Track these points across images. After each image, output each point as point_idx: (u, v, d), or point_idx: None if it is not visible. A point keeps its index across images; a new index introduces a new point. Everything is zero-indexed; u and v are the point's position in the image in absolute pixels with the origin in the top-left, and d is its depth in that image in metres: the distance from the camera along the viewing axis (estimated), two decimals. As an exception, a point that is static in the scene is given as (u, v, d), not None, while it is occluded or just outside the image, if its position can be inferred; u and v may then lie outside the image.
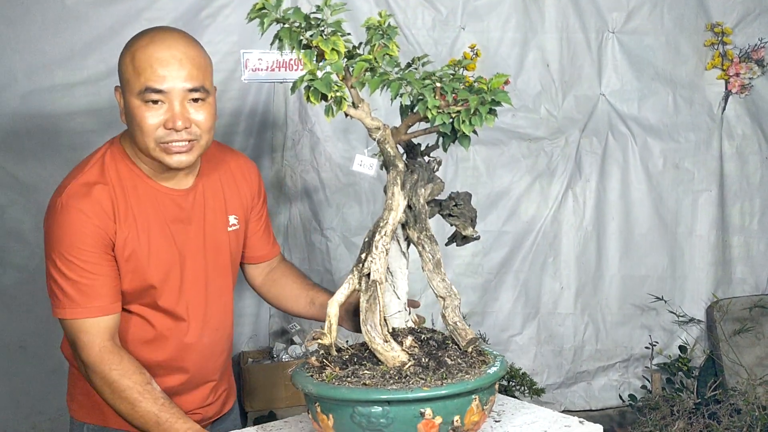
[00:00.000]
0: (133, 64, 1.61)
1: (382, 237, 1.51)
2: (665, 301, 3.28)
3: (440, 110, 1.41)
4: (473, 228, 1.58)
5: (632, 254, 3.34)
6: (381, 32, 1.46)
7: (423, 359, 1.44)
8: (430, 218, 1.57)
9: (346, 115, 1.51)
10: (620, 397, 3.37)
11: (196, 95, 1.63)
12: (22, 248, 2.67)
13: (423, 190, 1.53)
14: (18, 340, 2.72)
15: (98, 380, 1.63)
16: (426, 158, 1.61)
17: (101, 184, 1.65)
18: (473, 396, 1.39)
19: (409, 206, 1.54)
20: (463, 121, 1.39)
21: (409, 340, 1.49)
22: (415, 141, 1.60)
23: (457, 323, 1.47)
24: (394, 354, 1.44)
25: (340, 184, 3.05)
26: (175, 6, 2.67)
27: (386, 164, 1.56)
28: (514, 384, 2.74)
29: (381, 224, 1.53)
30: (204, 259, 1.81)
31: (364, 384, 1.39)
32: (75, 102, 2.66)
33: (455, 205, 1.58)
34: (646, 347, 3.24)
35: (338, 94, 1.41)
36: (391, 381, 1.39)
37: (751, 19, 3.24)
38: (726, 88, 3.28)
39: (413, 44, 2.99)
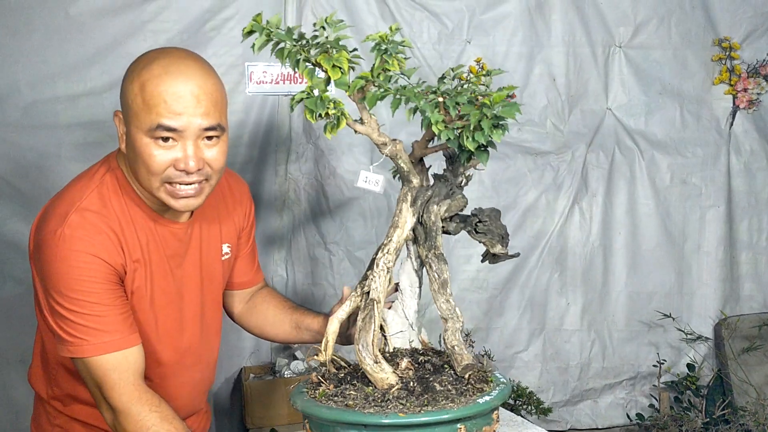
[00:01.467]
0: (143, 95, 1.45)
1: (384, 255, 1.50)
2: (673, 319, 3.24)
3: (447, 126, 1.38)
4: (503, 245, 1.52)
5: (639, 270, 3.30)
6: (383, 48, 1.44)
7: (411, 383, 1.41)
8: (454, 235, 1.54)
9: (356, 131, 1.50)
10: (627, 415, 3.32)
11: (211, 133, 1.50)
12: (23, 260, 2.62)
13: (437, 206, 1.49)
14: (18, 354, 2.69)
15: (132, 425, 1.48)
16: (465, 172, 1.57)
17: (103, 216, 1.52)
18: (458, 425, 1.34)
19: (421, 223, 1.51)
20: (467, 137, 1.35)
21: (404, 362, 1.46)
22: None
23: (455, 347, 1.44)
24: (383, 375, 1.41)
25: (344, 198, 3.02)
26: (179, 18, 2.66)
27: (401, 179, 1.55)
28: (520, 403, 2.70)
29: (385, 242, 1.50)
30: (200, 293, 1.72)
31: (347, 405, 1.37)
32: (77, 113, 2.64)
33: (479, 222, 1.52)
34: (654, 365, 3.20)
35: (332, 111, 1.39)
36: (373, 404, 1.36)
37: (759, 35, 3.22)
38: (734, 104, 3.26)
39: (419, 58, 2.97)
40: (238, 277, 1.87)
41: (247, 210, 1.84)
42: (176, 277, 1.65)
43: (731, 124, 3.28)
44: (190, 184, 1.50)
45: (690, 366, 3.29)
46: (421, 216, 1.51)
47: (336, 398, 1.41)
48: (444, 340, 1.46)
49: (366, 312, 1.47)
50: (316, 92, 1.41)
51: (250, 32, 1.44)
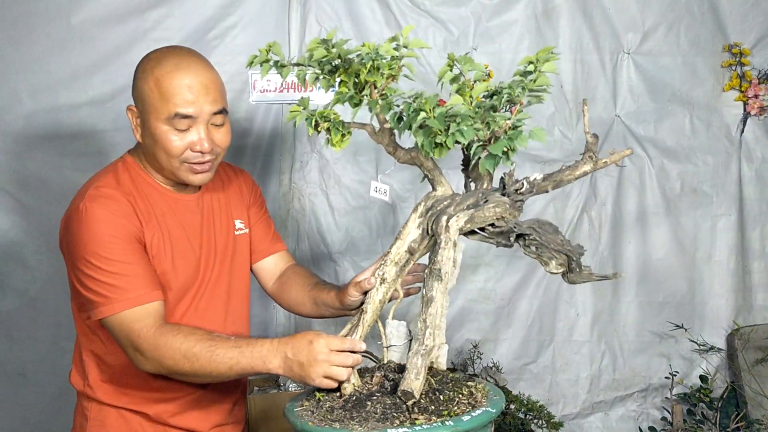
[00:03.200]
0: (159, 89, 1.67)
1: (380, 266, 1.47)
2: (685, 329, 3.18)
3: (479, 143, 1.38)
4: (561, 264, 1.40)
5: (649, 280, 3.25)
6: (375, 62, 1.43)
7: (353, 399, 1.42)
8: (499, 246, 1.48)
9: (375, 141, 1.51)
10: (639, 429, 3.26)
11: (218, 118, 1.73)
12: (24, 272, 2.61)
13: (453, 219, 1.43)
14: (18, 367, 2.66)
15: (163, 354, 1.60)
16: (523, 181, 1.51)
17: (118, 191, 1.71)
18: None
19: (429, 233, 1.47)
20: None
21: (377, 377, 1.48)
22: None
23: (409, 371, 1.39)
24: (345, 384, 1.47)
25: (349, 208, 2.98)
26: (182, 26, 2.64)
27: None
28: (531, 417, 2.65)
29: (386, 253, 1.48)
30: (220, 264, 1.87)
31: (310, 411, 1.44)
32: (79, 123, 2.61)
33: (521, 235, 1.40)
34: (666, 377, 3.13)
35: (325, 125, 1.44)
36: (317, 414, 1.42)
37: (770, 40, 3.17)
38: (744, 110, 3.20)
39: (424, 65, 2.93)
40: (256, 245, 2.03)
41: (251, 187, 2.04)
42: (195, 246, 1.82)
43: (742, 131, 3.23)
44: (204, 162, 1.73)
45: (703, 378, 3.23)
46: (430, 227, 1.46)
47: (307, 404, 1.48)
48: (408, 358, 1.41)
49: (355, 321, 1.49)
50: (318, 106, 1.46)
51: (253, 61, 1.56)
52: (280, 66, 1.51)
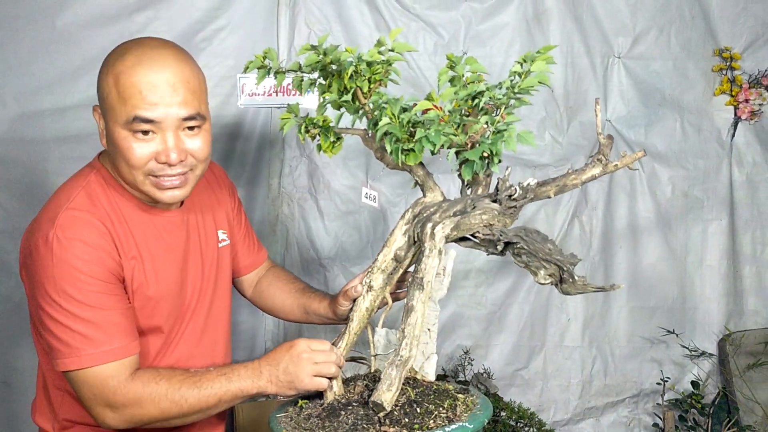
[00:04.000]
0: (117, 88, 1.42)
1: (367, 274, 1.45)
2: (676, 335, 3.17)
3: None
4: (552, 274, 1.34)
5: (641, 285, 3.23)
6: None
7: (329, 407, 1.42)
8: (489, 254, 1.45)
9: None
10: (630, 434, 3.24)
11: (191, 123, 1.46)
12: (7, 278, 2.57)
13: (439, 226, 1.40)
14: (2, 376, 2.61)
15: (151, 406, 1.44)
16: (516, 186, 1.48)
17: (94, 216, 1.48)
18: None
19: (417, 241, 1.45)
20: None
21: (359, 386, 1.47)
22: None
23: (380, 381, 1.37)
24: (328, 391, 1.47)
25: (339, 213, 2.95)
26: (169, 29, 2.60)
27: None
28: (522, 425, 2.63)
29: (374, 261, 1.46)
30: (206, 281, 1.70)
31: (290, 418, 1.44)
32: (65, 127, 2.57)
33: (508, 243, 1.37)
34: (657, 383, 3.12)
35: (314, 131, 1.41)
36: (294, 421, 1.42)
37: (760, 45, 3.16)
38: (735, 115, 3.20)
39: (414, 69, 2.91)
40: (243, 260, 1.87)
41: (229, 190, 1.84)
42: (182, 268, 1.62)
43: (733, 136, 3.23)
44: (174, 176, 1.47)
45: (694, 383, 3.21)
46: (416, 234, 1.43)
47: (292, 409, 1.49)
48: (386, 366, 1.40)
49: (343, 330, 1.49)
50: (312, 113, 1.45)
51: (249, 66, 1.54)
52: (277, 73, 1.47)
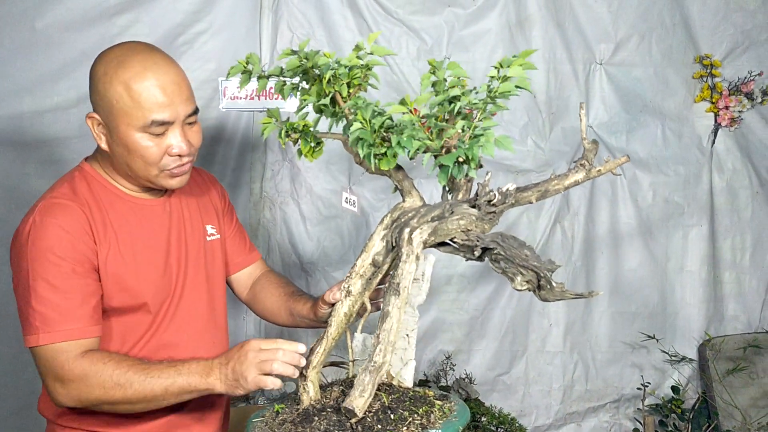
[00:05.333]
0: (130, 95, 1.54)
1: (346, 279, 1.44)
2: (657, 340, 3.18)
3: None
4: (529, 281, 1.33)
5: (622, 290, 3.25)
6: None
7: (303, 413, 1.42)
8: (468, 260, 1.45)
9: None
10: (611, 439, 3.25)
11: (192, 118, 1.62)
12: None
13: (417, 231, 1.40)
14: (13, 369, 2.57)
15: (95, 383, 1.50)
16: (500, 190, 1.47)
17: (74, 202, 1.59)
18: None
19: (395, 246, 1.44)
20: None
21: (335, 391, 1.48)
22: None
23: (353, 387, 1.37)
24: (305, 396, 1.48)
25: (321, 217, 2.95)
26: (150, 32, 2.58)
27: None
28: (502, 430, 2.63)
29: (353, 265, 1.45)
30: (195, 270, 1.77)
31: (266, 423, 1.46)
32: (44, 130, 2.55)
33: (485, 249, 1.36)
34: (638, 388, 3.13)
35: (295, 136, 1.43)
36: (269, 426, 1.43)
37: (740, 52, 3.19)
38: (715, 121, 3.23)
39: (397, 74, 2.91)
40: (233, 257, 1.95)
41: (220, 192, 1.95)
42: (161, 252, 1.71)
43: (713, 142, 3.25)
44: (184, 165, 1.63)
45: (675, 389, 3.23)
46: (394, 240, 1.43)
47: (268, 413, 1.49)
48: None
49: (323, 333, 1.48)
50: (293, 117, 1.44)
51: (232, 72, 1.55)
52: (260, 78, 1.49)
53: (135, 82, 1.54)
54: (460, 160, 1.28)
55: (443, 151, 1.29)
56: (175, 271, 1.74)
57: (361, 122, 1.30)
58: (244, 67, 1.51)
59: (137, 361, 1.55)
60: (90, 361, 1.51)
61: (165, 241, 1.72)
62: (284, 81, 1.48)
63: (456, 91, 1.30)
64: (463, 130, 1.29)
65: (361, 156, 1.32)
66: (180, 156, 1.61)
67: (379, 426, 1.33)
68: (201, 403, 1.77)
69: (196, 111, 1.63)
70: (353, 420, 1.33)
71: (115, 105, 1.56)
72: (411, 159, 1.36)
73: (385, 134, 1.30)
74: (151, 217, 1.71)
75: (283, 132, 1.50)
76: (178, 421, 1.74)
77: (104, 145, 1.63)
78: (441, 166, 1.29)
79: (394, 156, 1.32)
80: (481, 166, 1.49)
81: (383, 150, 1.29)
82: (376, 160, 1.29)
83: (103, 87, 1.57)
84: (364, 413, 1.34)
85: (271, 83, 1.56)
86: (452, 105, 1.30)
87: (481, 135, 1.27)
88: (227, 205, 1.98)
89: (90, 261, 1.57)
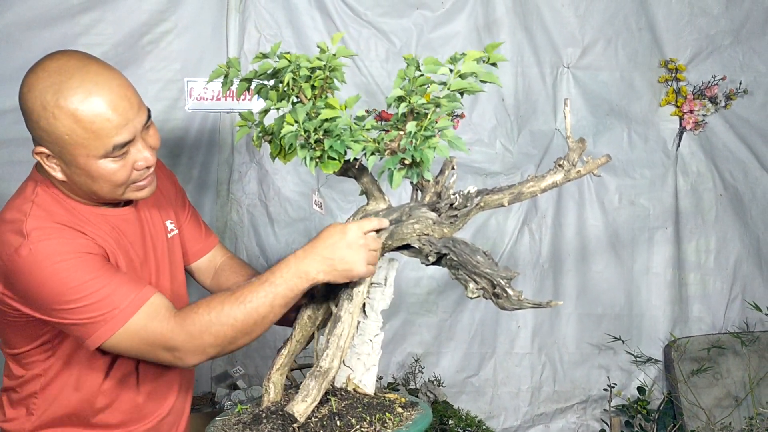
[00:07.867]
0: (81, 126, 1.39)
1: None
2: (623, 341, 3.21)
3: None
4: (483, 288, 1.28)
5: (589, 292, 3.27)
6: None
7: (254, 415, 1.42)
8: (426, 265, 1.41)
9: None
10: (578, 440, 3.27)
11: (148, 122, 1.50)
12: None
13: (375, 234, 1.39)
14: None
15: (204, 334, 1.43)
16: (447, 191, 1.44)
17: (54, 220, 1.48)
18: None
19: None
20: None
21: (293, 394, 1.47)
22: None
23: (298, 391, 1.36)
24: (265, 397, 1.48)
25: (289, 219, 2.92)
26: (114, 32, 2.54)
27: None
28: (470, 432, 2.63)
29: None
30: (162, 272, 1.71)
31: (224, 423, 1.45)
32: (4, 130, 2.50)
33: (434, 253, 1.32)
34: (605, 389, 3.16)
35: (265, 140, 1.39)
36: (225, 427, 1.43)
37: (704, 57, 3.24)
38: (680, 125, 3.27)
39: (366, 76, 2.91)
40: (191, 246, 1.87)
41: (170, 179, 1.85)
42: (141, 261, 1.65)
43: (678, 146, 3.29)
44: (149, 175, 1.54)
45: (640, 389, 3.26)
46: None
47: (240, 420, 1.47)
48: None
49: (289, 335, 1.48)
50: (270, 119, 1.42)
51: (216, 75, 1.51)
52: (242, 80, 1.45)
53: (82, 111, 1.39)
54: (406, 162, 1.26)
55: (387, 153, 1.27)
56: (153, 279, 1.68)
57: (293, 124, 1.28)
58: (226, 71, 1.46)
59: (226, 294, 1.47)
60: (183, 319, 1.44)
61: (141, 249, 1.66)
62: (262, 84, 1.45)
63: (398, 92, 1.27)
64: (409, 133, 1.26)
65: (300, 158, 1.30)
66: (147, 167, 1.51)
67: (322, 431, 1.31)
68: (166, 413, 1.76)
69: (149, 114, 1.51)
70: (295, 425, 1.31)
71: (67, 139, 1.42)
72: (351, 162, 1.34)
73: (322, 137, 1.28)
74: (126, 227, 1.62)
75: (255, 135, 1.47)
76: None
77: (60, 176, 1.49)
78: (388, 170, 1.28)
79: (335, 159, 1.29)
80: (453, 168, 1.48)
81: (318, 153, 1.27)
82: (315, 163, 1.27)
83: (47, 123, 1.42)
84: (308, 418, 1.32)
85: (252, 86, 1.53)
86: (405, 104, 1.28)
87: (432, 136, 1.24)
88: (179, 191, 1.89)
89: (102, 254, 1.50)
